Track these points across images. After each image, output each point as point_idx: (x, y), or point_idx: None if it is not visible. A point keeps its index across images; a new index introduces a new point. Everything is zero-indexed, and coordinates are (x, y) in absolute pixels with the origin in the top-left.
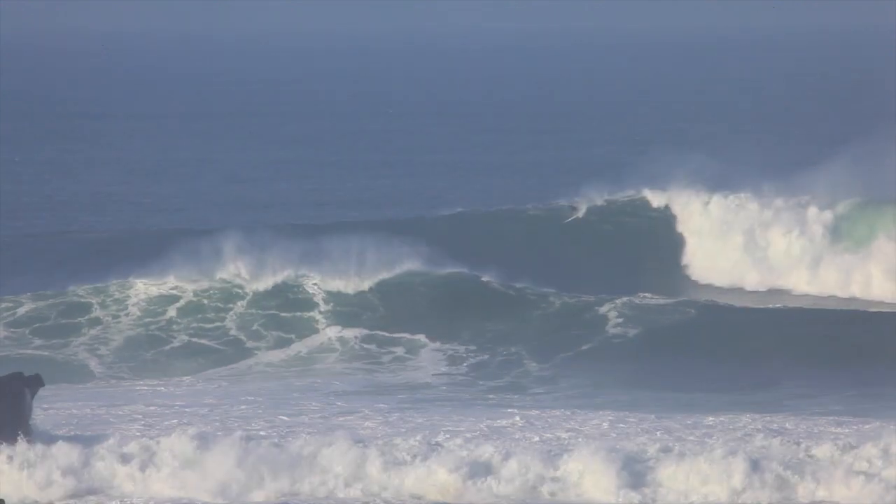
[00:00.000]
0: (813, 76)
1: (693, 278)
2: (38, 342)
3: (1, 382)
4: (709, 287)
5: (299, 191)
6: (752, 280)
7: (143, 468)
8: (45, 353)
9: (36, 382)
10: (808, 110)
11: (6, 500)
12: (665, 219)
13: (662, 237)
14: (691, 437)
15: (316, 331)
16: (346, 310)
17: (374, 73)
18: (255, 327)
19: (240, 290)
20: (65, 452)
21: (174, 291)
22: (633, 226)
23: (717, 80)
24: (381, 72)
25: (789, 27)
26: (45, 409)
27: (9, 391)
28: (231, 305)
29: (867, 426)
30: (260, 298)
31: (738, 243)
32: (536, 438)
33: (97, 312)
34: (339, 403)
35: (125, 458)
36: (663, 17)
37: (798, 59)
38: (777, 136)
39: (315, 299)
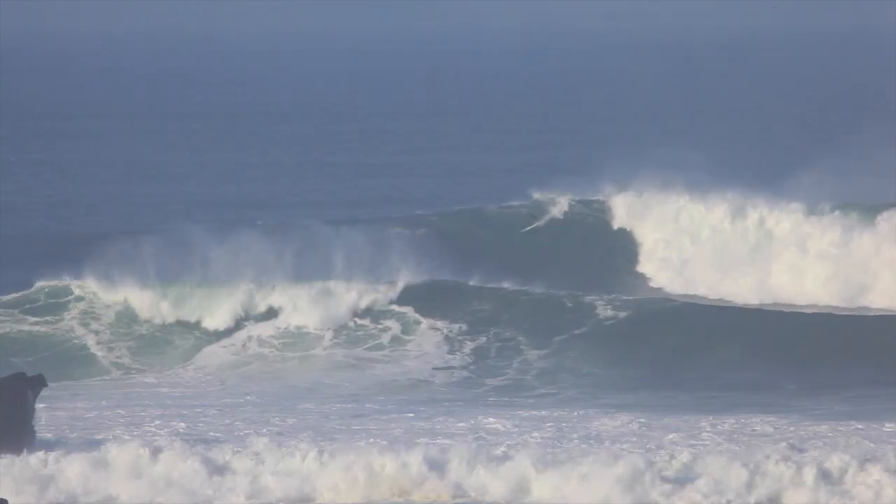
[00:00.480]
0: (811, 77)
1: (652, 284)
2: (32, 319)
3: (2, 384)
4: (661, 292)
5: (300, 191)
6: (709, 286)
7: (122, 477)
8: (41, 330)
9: (38, 383)
10: (804, 111)
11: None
12: (627, 222)
13: (623, 242)
14: (693, 442)
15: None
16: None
17: (372, 74)
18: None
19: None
20: (39, 461)
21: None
22: (591, 229)
23: (717, 81)
24: (379, 72)
25: (789, 27)
26: (51, 411)
27: (10, 392)
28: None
29: (857, 426)
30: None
31: (701, 248)
32: (532, 441)
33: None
34: (337, 405)
35: (102, 466)
36: (662, 17)
37: (795, 59)
38: (772, 136)
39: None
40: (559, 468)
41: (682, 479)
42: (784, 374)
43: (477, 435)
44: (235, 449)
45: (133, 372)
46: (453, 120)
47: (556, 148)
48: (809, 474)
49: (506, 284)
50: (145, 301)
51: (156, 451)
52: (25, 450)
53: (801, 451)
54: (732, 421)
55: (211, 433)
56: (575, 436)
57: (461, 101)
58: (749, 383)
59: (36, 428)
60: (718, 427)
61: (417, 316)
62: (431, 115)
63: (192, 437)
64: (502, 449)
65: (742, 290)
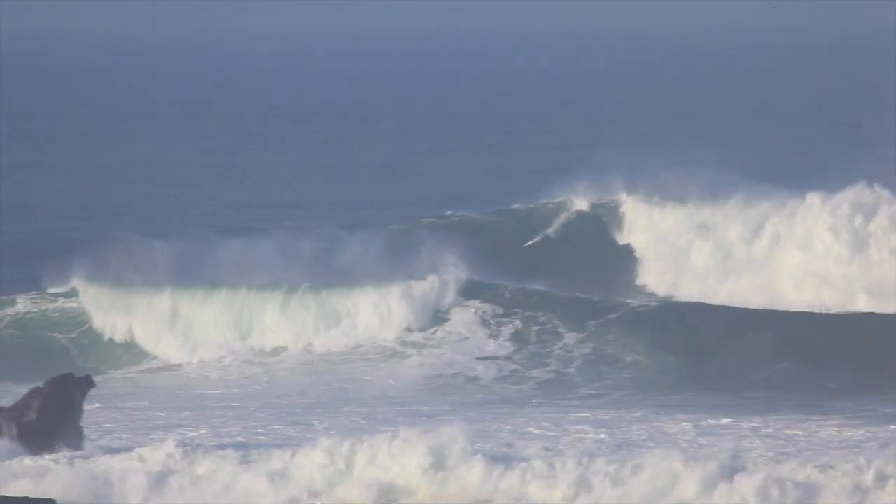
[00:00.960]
0: (807, 77)
1: (646, 290)
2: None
3: (51, 384)
4: (671, 294)
5: (309, 193)
6: (717, 290)
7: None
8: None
9: (86, 384)
10: (799, 111)
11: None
12: (640, 225)
13: (636, 244)
14: (752, 444)
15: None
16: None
17: (368, 75)
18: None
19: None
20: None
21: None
22: (608, 231)
23: (715, 82)
24: (375, 73)
25: (789, 28)
26: (98, 411)
27: (59, 393)
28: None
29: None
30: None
31: (713, 251)
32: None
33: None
34: (381, 409)
35: (144, 468)
36: (661, 17)
37: (790, 59)
38: (769, 139)
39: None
40: (622, 475)
41: (746, 485)
42: (821, 373)
43: (529, 441)
44: (279, 452)
45: (176, 362)
46: (472, 121)
47: (570, 149)
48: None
49: (536, 286)
50: (185, 298)
51: (195, 454)
52: (73, 450)
53: (864, 455)
54: (789, 422)
55: (255, 436)
56: (632, 440)
57: (479, 102)
58: (789, 384)
59: (84, 428)
60: (787, 431)
61: (455, 308)
62: (450, 116)
63: (232, 440)
64: (554, 455)
65: (751, 293)
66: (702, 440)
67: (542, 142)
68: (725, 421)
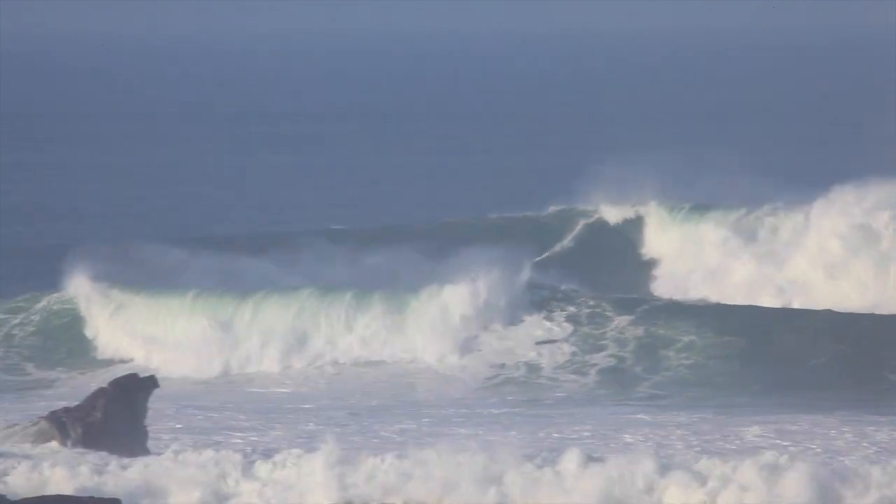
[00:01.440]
0: (807, 77)
1: (660, 294)
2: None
3: (116, 384)
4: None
5: (309, 194)
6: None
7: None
8: None
9: (150, 384)
10: (799, 111)
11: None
12: (664, 233)
13: (663, 251)
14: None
15: None
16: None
17: (368, 75)
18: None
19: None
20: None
21: None
22: (633, 238)
23: (715, 82)
24: (375, 73)
25: (789, 28)
26: (163, 412)
27: (123, 394)
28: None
29: None
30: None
31: (707, 257)
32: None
33: None
34: (444, 411)
35: (198, 471)
36: (661, 17)
37: (790, 59)
38: (773, 140)
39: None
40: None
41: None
42: (878, 369)
43: (582, 446)
44: (335, 456)
45: (237, 365)
46: (473, 121)
47: (575, 150)
48: None
49: (573, 286)
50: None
51: (254, 456)
52: (137, 450)
53: None
54: (851, 421)
55: (314, 439)
56: (715, 445)
57: (480, 102)
58: (848, 380)
59: (147, 428)
60: (843, 429)
61: (513, 304)
62: (450, 116)
63: (290, 442)
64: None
65: (780, 302)
66: (779, 441)
67: (545, 142)
68: (798, 425)
